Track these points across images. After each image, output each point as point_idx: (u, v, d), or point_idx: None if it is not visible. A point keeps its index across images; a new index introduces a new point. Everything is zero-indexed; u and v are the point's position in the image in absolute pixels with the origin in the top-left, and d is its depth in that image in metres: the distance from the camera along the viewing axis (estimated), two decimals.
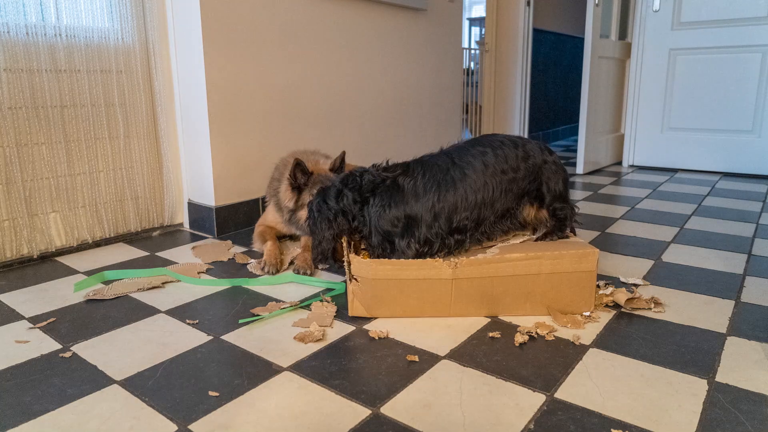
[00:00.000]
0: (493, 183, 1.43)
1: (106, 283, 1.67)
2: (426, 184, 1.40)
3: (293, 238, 2.13)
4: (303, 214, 1.87)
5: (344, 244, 1.48)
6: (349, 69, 2.71)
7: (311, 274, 1.71)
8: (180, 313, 1.46)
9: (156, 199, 2.24)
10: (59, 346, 1.28)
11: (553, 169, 1.53)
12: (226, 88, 2.14)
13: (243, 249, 2.02)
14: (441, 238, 1.40)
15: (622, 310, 1.46)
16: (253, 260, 1.86)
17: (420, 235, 1.38)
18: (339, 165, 1.89)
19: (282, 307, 1.47)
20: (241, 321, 1.40)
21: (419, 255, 1.39)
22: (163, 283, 1.66)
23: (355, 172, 1.47)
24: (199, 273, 1.75)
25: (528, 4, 4.47)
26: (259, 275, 1.73)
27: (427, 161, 1.45)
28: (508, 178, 1.46)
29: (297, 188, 1.84)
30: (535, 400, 1.05)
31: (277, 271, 1.75)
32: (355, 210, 1.44)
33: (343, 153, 1.90)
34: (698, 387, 1.10)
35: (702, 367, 1.17)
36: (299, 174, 1.81)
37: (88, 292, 1.58)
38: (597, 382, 1.11)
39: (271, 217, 2.01)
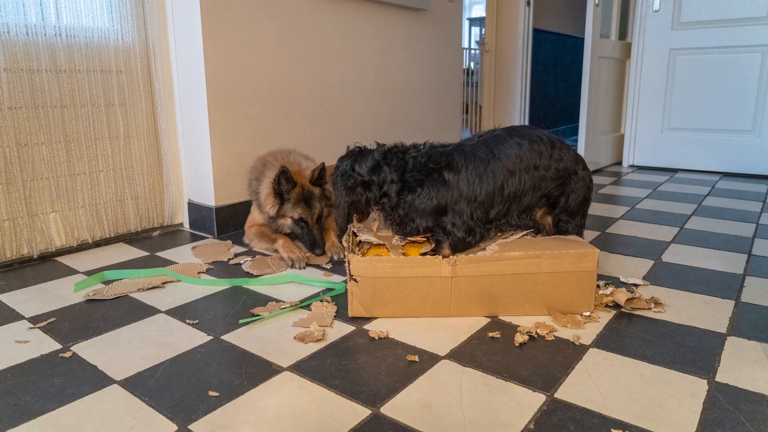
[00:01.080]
0: (525, 178, 1.47)
1: (106, 283, 1.67)
2: (469, 178, 1.43)
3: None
4: (284, 222, 1.91)
5: (345, 244, 1.48)
6: (349, 69, 2.71)
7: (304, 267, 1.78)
8: (180, 313, 1.46)
9: (156, 199, 2.24)
10: (59, 346, 1.28)
11: (580, 185, 1.54)
12: (227, 88, 2.14)
13: (243, 249, 2.02)
14: (479, 227, 1.45)
15: (622, 310, 1.46)
16: (248, 259, 1.85)
17: (464, 222, 1.43)
18: (318, 176, 1.89)
19: (282, 307, 1.47)
20: (241, 321, 1.40)
21: (466, 242, 1.43)
22: (163, 283, 1.66)
23: (398, 150, 1.47)
24: (199, 273, 1.75)
25: (528, 4, 4.47)
26: (284, 272, 1.75)
27: (469, 153, 1.46)
28: (539, 174, 1.48)
29: (279, 195, 1.86)
30: (535, 400, 1.05)
31: (308, 264, 1.80)
32: (391, 190, 1.44)
33: (323, 164, 1.90)
34: (698, 387, 1.10)
35: (702, 367, 1.17)
36: (284, 182, 1.83)
37: (88, 292, 1.58)
38: (597, 382, 1.11)
39: (258, 216, 2.03)
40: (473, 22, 7.97)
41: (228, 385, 1.11)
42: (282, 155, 2.00)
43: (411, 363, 1.19)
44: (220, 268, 1.81)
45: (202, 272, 1.76)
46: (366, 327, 1.36)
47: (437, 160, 1.44)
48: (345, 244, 1.49)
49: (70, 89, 1.92)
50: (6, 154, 1.79)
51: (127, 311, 1.47)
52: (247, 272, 1.76)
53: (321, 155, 2.53)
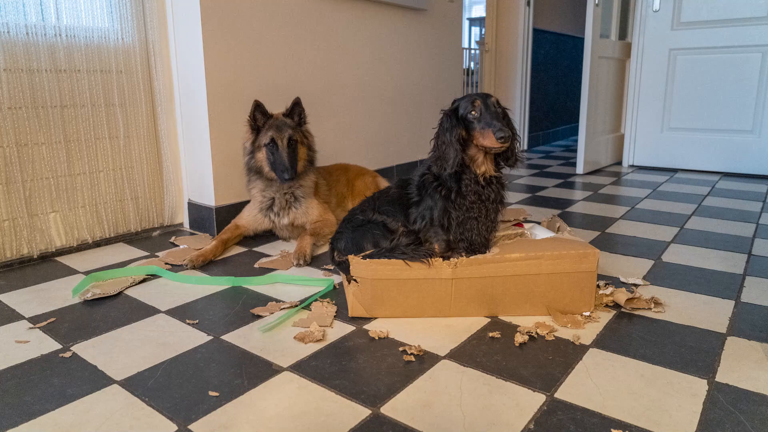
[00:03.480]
0: None
1: (98, 282, 1.66)
2: None
3: (278, 237, 2.13)
4: (260, 156, 1.97)
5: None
6: (349, 69, 2.71)
7: (305, 263, 1.83)
8: (180, 313, 1.46)
9: (156, 199, 2.24)
10: (59, 346, 1.27)
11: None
12: (227, 88, 2.14)
13: (244, 249, 2.02)
14: None
15: (622, 310, 1.46)
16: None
17: None
18: (291, 109, 2.01)
19: (282, 307, 1.47)
20: (259, 328, 1.38)
21: None
22: (147, 275, 1.72)
23: None
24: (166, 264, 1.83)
25: (528, 4, 4.47)
26: (275, 272, 1.75)
27: None
28: None
29: (256, 129, 1.96)
30: (535, 400, 1.05)
31: (194, 268, 1.81)
32: None
33: (297, 98, 2.01)
34: (698, 387, 1.10)
35: (702, 367, 1.17)
36: (259, 115, 1.94)
37: (84, 295, 1.57)
38: (597, 382, 1.11)
39: (246, 214, 2.07)
40: (473, 22, 7.97)
41: (228, 385, 1.11)
42: None
43: (411, 363, 1.19)
44: (220, 269, 1.81)
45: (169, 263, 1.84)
46: (366, 327, 1.36)
47: None
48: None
49: (70, 89, 1.92)
50: (6, 154, 1.79)
51: (127, 311, 1.47)
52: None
53: (320, 155, 2.53)
